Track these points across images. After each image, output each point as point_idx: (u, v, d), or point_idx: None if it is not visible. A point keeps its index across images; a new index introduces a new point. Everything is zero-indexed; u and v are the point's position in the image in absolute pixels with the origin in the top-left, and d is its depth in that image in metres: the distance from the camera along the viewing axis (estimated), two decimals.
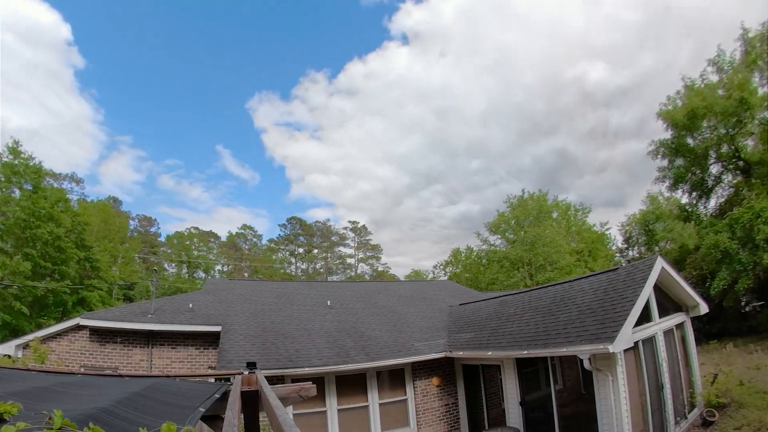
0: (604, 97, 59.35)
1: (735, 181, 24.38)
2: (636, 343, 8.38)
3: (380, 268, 65.15)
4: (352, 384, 11.01)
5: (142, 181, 72.08)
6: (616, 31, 56.95)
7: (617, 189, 61.82)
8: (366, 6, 65.66)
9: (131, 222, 51.82)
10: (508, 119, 66.21)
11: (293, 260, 64.27)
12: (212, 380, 4.68)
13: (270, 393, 2.25)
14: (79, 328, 10.82)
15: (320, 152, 72.36)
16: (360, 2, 62.00)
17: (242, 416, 2.94)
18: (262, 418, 3.32)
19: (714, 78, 23.82)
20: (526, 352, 9.02)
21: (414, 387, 11.65)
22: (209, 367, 11.13)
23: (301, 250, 64.73)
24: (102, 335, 10.94)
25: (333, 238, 66.37)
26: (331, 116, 71.64)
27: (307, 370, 9.93)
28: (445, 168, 74.94)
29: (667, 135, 26.07)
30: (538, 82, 62.87)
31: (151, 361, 10.99)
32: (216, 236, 61.11)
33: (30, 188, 23.86)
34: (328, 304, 14.62)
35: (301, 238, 64.95)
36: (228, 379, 3.88)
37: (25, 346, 10.35)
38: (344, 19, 68.46)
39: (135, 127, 70.08)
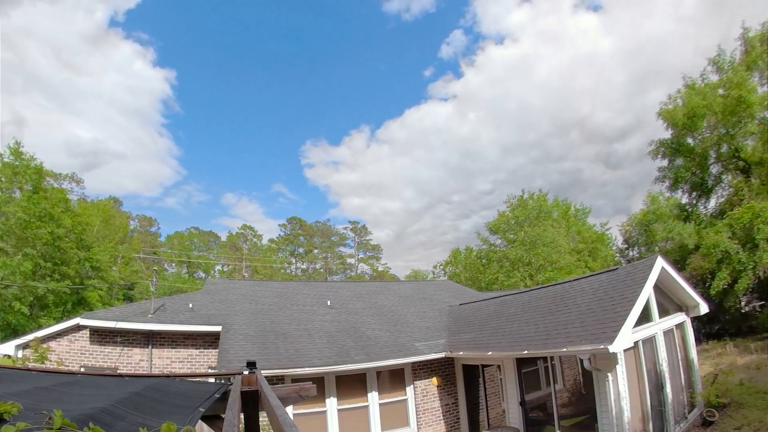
0: (605, 137, 66.32)
1: (735, 181, 24.34)
2: (636, 343, 8.38)
3: (380, 268, 65.18)
4: (352, 384, 11.02)
5: (206, 201, 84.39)
6: (613, 87, 66.98)
7: (621, 201, 66.40)
8: (414, 81, 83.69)
9: (131, 222, 51.83)
10: (523, 151, 76.37)
11: (293, 260, 64.29)
12: (212, 380, 4.68)
13: (270, 393, 2.25)
14: (79, 328, 10.83)
15: (354, 180, 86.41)
16: (411, 78, 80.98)
17: (242, 416, 2.94)
18: (262, 418, 3.32)
19: (714, 78, 23.81)
20: (526, 351, 9.02)
21: (414, 387, 11.65)
22: (209, 367, 11.13)
23: (301, 250, 64.76)
24: (102, 335, 10.94)
25: (333, 238, 66.37)
26: (367, 158, 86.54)
27: (307, 370, 9.93)
28: (461, 189, 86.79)
29: (667, 134, 26.07)
30: (550, 127, 72.80)
31: (151, 361, 10.99)
32: (216, 236, 61.17)
33: (30, 189, 23.87)
34: (328, 304, 14.62)
35: (301, 238, 64.95)
36: (228, 379, 3.88)
37: (25, 346, 10.35)
38: (391, 86, 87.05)
39: (210, 159, 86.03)
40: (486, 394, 11.46)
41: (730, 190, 24.87)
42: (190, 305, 12.54)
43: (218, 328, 11.33)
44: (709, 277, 21.73)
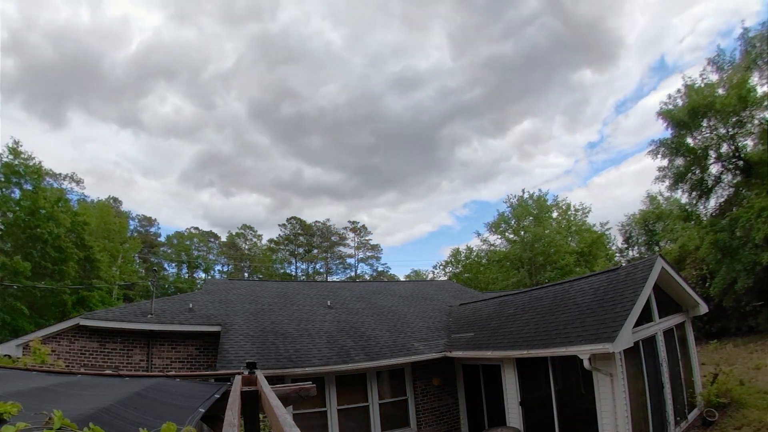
0: None
1: (735, 181, 24.33)
2: (636, 343, 8.37)
3: (380, 268, 65.20)
4: (352, 384, 11.01)
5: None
6: None
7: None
8: None
9: (131, 222, 51.77)
10: None
11: (293, 260, 64.25)
12: (212, 380, 4.68)
13: (270, 393, 2.25)
14: (79, 328, 10.81)
15: None
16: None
17: (242, 416, 2.93)
18: (262, 418, 3.32)
19: (714, 77, 23.83)
20: (526, 352, 9.02)
21: (414, 387, 11.65)
22: (209, 367, 11.13)
23: (301, 250, 64.70)
24: (102, 335, 10.93)
25: (333, 238, 66.33)
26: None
27: (307, 370, 9.93)
28: None
29: (667, 134, 26.06)
30: None
31: (151, 361, 10.99)
32: (216, 236, 61.13)
33: (30, 188, 23.86)
34: (328, 304, 14.62)
35: (301, 238, 64.91)
36: (228, 379, 3.88)
37: (25, 346, 10.33)
38: None
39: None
40: (486, 394, 11.45)
41: (730, 190, 24.86)
42: (190, 305, 12.53)
43: (218, 328, 11.32)
44: (709, 277, 21.73)
